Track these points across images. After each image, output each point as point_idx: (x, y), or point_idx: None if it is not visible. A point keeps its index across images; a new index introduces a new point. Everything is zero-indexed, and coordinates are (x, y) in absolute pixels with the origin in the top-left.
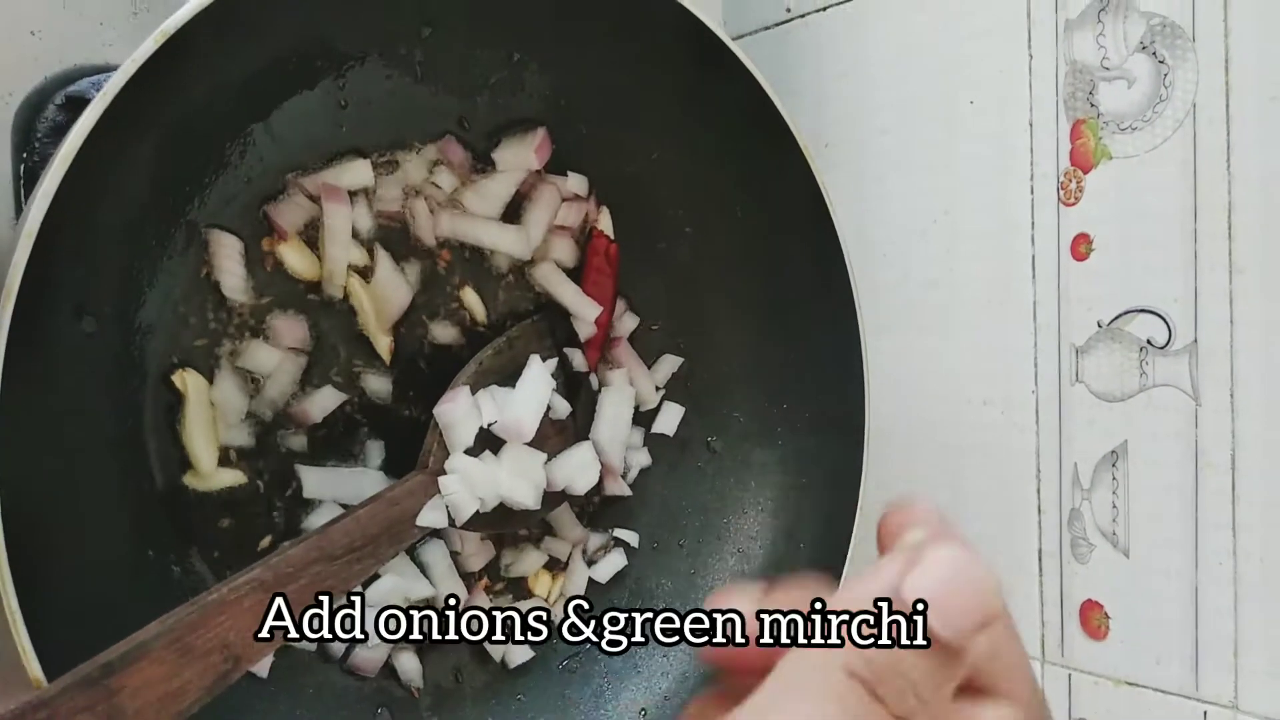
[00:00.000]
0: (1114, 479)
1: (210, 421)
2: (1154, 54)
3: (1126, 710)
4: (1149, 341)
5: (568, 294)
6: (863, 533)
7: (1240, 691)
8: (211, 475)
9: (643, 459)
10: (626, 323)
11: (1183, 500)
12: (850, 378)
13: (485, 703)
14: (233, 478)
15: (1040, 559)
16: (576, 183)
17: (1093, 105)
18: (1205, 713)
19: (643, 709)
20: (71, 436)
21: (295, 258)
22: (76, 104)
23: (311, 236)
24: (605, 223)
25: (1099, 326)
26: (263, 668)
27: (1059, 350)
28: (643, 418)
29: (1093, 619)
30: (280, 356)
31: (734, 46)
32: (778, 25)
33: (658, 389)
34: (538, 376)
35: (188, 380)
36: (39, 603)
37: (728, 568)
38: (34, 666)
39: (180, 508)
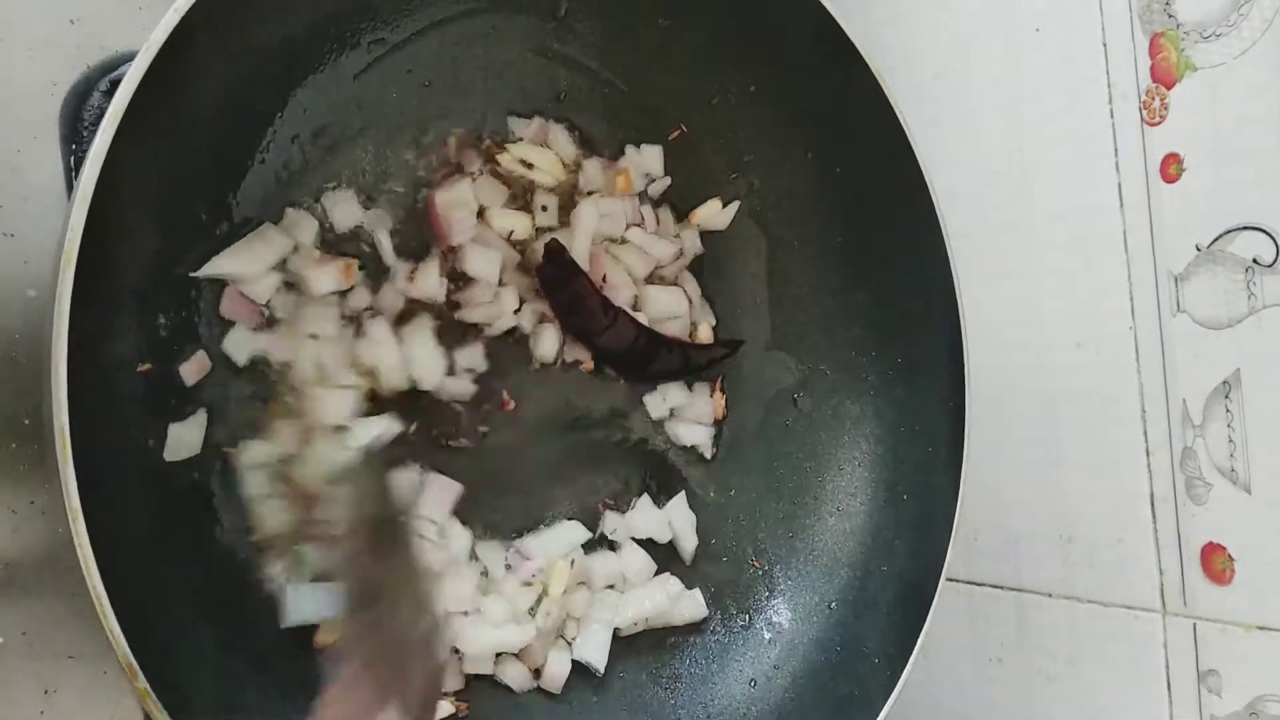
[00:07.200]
0: (1228, 411)
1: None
2: None
3: (1261, 657)
4: (1255, 260)
5: None
6: (967, 486)
7: None
8: None
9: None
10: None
11: None
12: (944, 316)
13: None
14: None
15: (1153, 504)
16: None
17: (1170, 16)
18: None
19: (751, 679)
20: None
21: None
22: None
23: None
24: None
25: (1198, 250)
26: None
27: (1156, 280)
28: None
29: (1215, 563)
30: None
31: None
32: None
33: None
34: None
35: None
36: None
37: (827, 528)
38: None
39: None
